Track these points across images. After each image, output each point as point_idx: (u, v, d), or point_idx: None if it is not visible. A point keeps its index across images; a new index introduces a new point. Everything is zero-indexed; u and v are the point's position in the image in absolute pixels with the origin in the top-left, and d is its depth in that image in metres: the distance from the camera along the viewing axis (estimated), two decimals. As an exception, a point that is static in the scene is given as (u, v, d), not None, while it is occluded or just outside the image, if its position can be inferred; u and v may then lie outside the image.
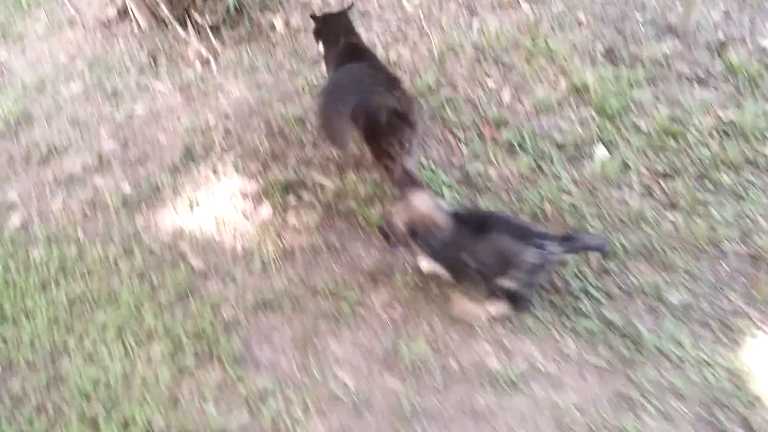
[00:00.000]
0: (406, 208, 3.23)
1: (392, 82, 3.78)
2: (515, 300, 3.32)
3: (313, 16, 4.31)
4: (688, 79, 4.42)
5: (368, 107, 3.61)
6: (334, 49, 4.11)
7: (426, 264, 3.49)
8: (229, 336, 3.42)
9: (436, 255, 3.32)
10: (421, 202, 3.21)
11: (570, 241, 3.19)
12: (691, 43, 4.63)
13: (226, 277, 3.68)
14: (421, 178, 3.83)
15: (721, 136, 4.06)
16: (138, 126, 4.55)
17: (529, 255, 3.09)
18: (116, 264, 3.78)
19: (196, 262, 3.74)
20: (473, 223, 3.20)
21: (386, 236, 3.35)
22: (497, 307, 3.36)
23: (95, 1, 5.60)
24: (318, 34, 4.29)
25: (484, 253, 3.17)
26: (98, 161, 4.33)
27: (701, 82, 4.40)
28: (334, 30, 4.17)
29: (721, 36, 4.65)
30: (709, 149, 3.99)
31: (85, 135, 4.53)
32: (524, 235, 3.15)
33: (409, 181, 3.74)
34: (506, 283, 3.20)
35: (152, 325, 3.48)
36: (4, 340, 3.53)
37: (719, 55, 4.54)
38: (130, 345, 3.42)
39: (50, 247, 3.89)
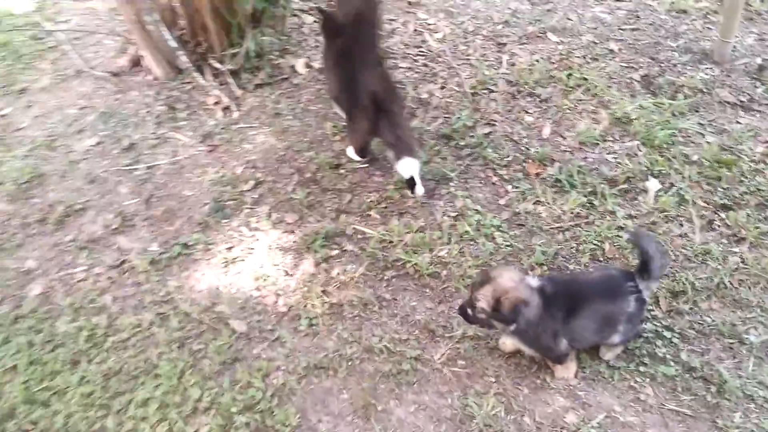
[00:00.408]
0: (490, 286, 2.91)
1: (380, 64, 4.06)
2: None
3: (321, 10, 4.43)
4: (731, 105, 4.30)
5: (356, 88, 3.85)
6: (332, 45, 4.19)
7: (510, 343, 3.22)
8: (283, 405, 3.13)
9: (523, 335, 3.03)
10: (507, 280, 2.91)
11: (645, 266, 2.98)
12: (729, 68, 4.52)
13: (272, 340, 3.40)
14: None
15: (774, 163, 3.93)
16: (160, 180, 4.29)
17: (629, 306, 2.93)
18: (151, 332, 3.48)
19: (238, 325, 3.46)
20: (563, 299, 2.95)
21: (465, 315, 3.05)
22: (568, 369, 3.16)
23: (103, 51, 5.38)
24: (324, 29, 4.33)
25: (584, 330, 3.00)
26: (120, 220, 4.04)
27: (745, 108, 4.28)
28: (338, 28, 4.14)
29: (759, 60, 4.54)
30: (764, 177, 3.85)
31: (103, 192, 4.25)
32: (615, 288, 2.97)
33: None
34: (614, 339, 3.06)
35: (197, 397, 3.17)
36: (35, 425, 3.19)
37: (759, 80, 4.43)
38: (174, 421, 3.12)
39: (77, 318, 3.57)
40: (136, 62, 5.04)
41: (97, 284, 3.74)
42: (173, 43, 4.65)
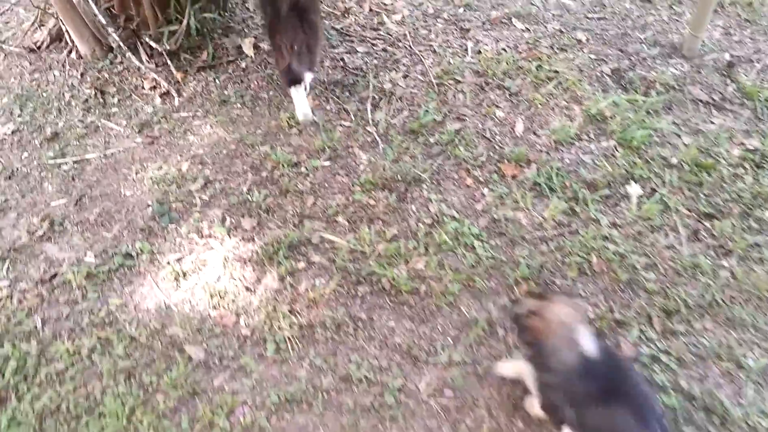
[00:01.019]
0: (539, 300, 2.61)
1: None
2: None
3: None
4: (704, 104, 4.15)
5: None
6: None
7: (513, 369, 2.91)
8: (253, 446, 2.78)
9: (542, 383, 2.66)
10: (561, 311, 2.56)
11: None
12: (699, 64, 4.36)
13: (235, 369, 3.00)
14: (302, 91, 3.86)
15: (753, 168, 3.80)
16: (92, 177, 3.74)
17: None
18: (92, 360, 3.02)
19: (195, 352, 3.04)
20: (602, 377, 2.50)
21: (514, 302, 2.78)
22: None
23: (16, 23, 4.67)
24: None
25: (598, 420, 2.49)
26: (48, 225, 3.50)
27: (718, 107, 4.14)
28: None
29: (727, 56, 4.41)
30: (744, 183, 3.71)
31: (25, 191, 3.67)
32: (645, 413, 2.47)
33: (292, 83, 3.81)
34: None
35: (152, 439, 2.78)
36: (-43, 479, 2.72)
37: (729, 77, 4.30)
38: (127, 468, 2.71)
39: (1, 345, 3.06)
40: (57, 37, 4.39)
41: (23, 303, 3.23)
42: (101, 17, 4.04)
